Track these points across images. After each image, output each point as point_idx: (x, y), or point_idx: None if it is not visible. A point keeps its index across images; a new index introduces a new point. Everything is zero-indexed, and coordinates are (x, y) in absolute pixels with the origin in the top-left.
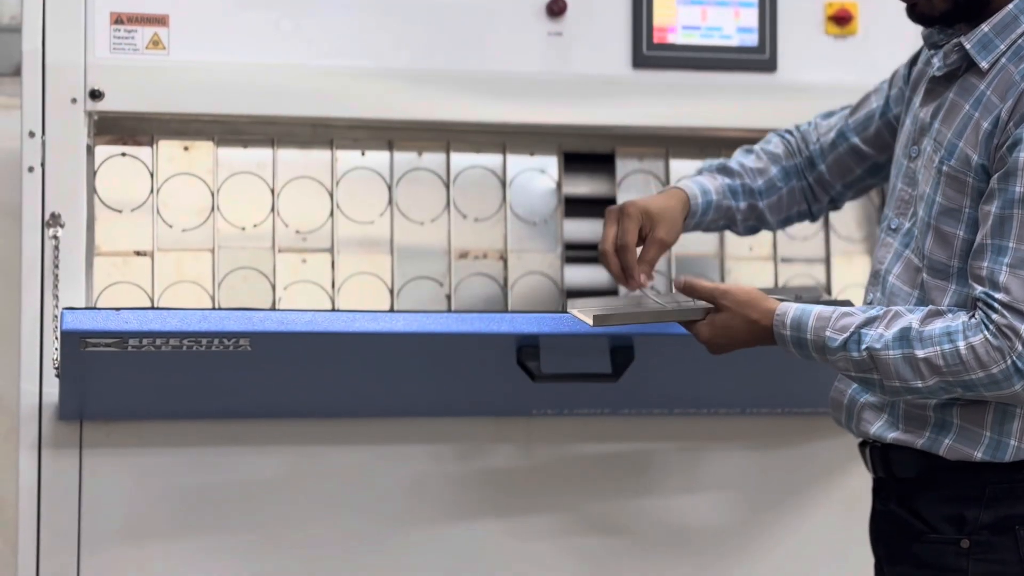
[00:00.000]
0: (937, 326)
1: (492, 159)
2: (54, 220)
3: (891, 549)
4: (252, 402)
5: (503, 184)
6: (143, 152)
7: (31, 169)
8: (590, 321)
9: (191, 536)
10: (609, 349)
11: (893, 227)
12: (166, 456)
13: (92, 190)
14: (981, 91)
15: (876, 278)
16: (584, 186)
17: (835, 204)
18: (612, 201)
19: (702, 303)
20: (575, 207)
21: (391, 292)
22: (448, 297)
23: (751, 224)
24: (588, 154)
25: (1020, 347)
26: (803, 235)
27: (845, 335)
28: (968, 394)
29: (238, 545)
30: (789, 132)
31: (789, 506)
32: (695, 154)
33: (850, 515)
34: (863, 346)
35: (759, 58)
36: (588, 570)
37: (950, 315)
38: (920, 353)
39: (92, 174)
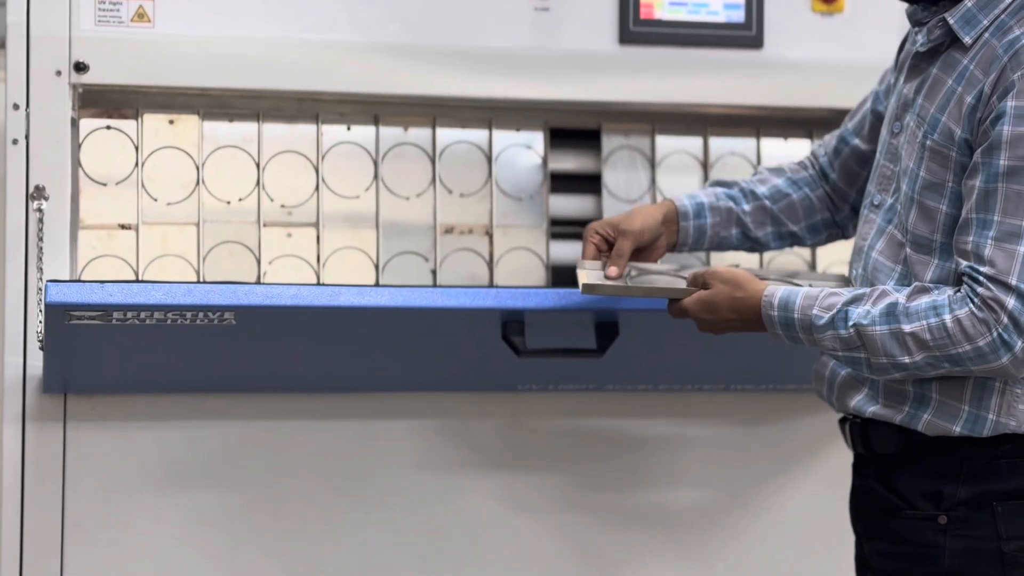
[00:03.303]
0: (923, 301)
1: (478, 134)
2: (38, 193)
3: (869, 525)
4: (237, 376)
5: (489, 159)
6: (128, 125)
7: (15, 141)
8: (580, 288)
9: (175, 509)
10: (594, 325)
11: (876, 203)
12: (150, 429)
13: (77, 163)
14: (964, 66)
15: (859, 254)
16: (570, 162)
17: (856, 212)
18: (597, 177)
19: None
20: (561, 183)
21: (376, 267)
22: (433, 272)
23: (772, 231)
24: (574, 130)
25: (1006, 319)
26: None
27: (832, 313)
28: (956, 369)
29: (221, 519)
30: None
31: (772, 482)
32: (681, 130)
33: (833, 491)
34: (850, 323)
35: (746, 35)
36: (572, 545)
37: (936, 291)
38: (907, 328)
39: (77, 147)
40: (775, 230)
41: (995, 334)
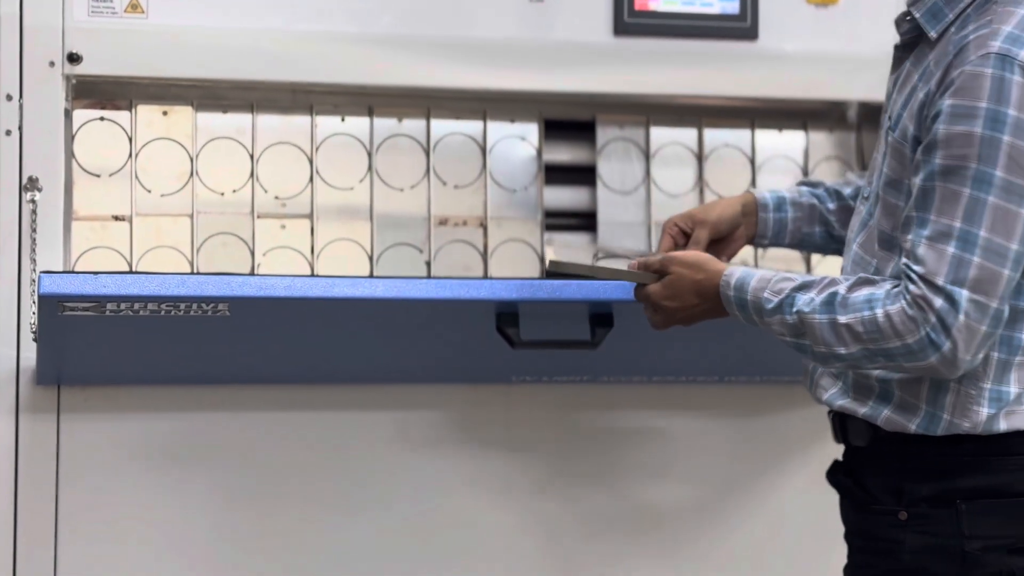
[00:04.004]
0: (862, 293)
1: (472, 126)
2: (32, 184)
3: (847, 519)
4: (230, 367)
5: (483, 151)
6: (121, 116)
7: (8, 133)
8: (546, 263)
9: (169, 501)
10: (588, 316)
11: (865, 195)
12: (144, 421)
13: (70, 154)
14: (928, 61)
15: (847, 246)
16: (564, 153)
17: None
18: (592, 169)
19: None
20: (555, 174)
21: (370, 259)
22: (428, 264)
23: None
24: (568, 121)
25: (934, 319)
26: None
27: (780, 297)
28: (890, 364)
29: (216, 510)
30: None
31: (766, 474)
32: (675, 122)
33: (827, 484)
34: (795, 309)
35: (740, 26)
36: (565, 536)
37: (878, 284)
38: (842, 319)
39: (70, 138)
40: None
41: (923, 333)
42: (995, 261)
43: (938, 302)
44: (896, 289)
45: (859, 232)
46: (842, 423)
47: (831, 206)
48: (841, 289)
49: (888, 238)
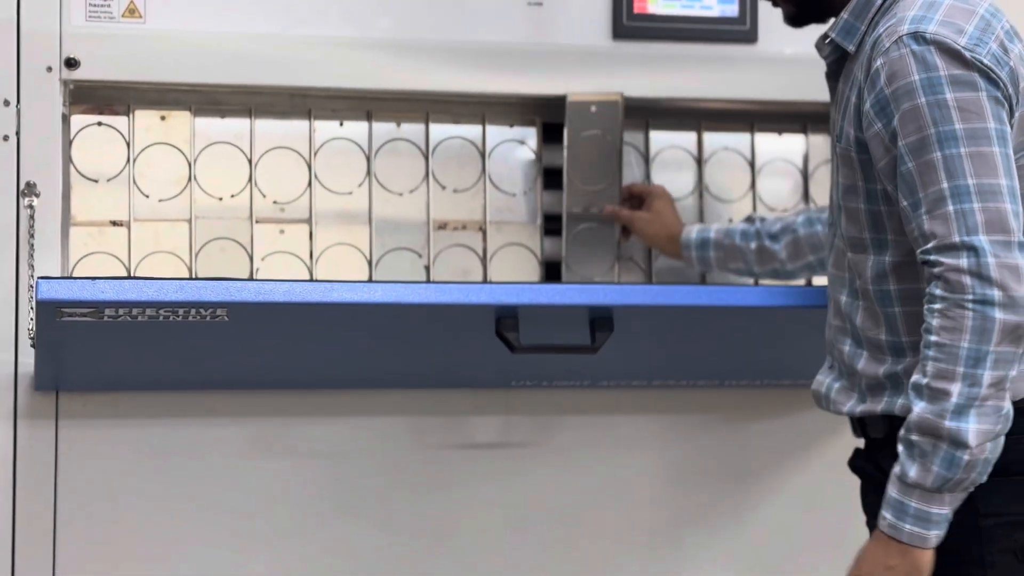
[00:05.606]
0: (922, 343)
1: (471, 130)
2: (29, 189)
3: (867, 504)
4: (229, 373)
5: (482, 155)
6: (119, 121)
7: (6, 138)
8: None
9: (168, 508)
10: (588, 320)
11: (829, 222)
12: (143, 427)
13: (68, 159)
14: (853, 72)
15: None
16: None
17: None
18: None
19: None
20: (554, 178)
21: (369, 263)
22: (427, 268)
23: (773, 268)
24: None
25: (967, 278)
26: (782, 207)
27: (916, 443)
28: (991, 353)
29: (214, 516)
30: None
31: (767, 478)
32: (674, 125)
33: (828, 487)
34: (931, 431)
35: (740, 29)
36: (566, 542)
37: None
38: (924, 381)
39: (68, 143)
40: (776, 268)
41: (969, 297)
42: (992, 199)
43: (962, 258)
44: (926, 299)
45: (829, 255)
46: (860, 421)
47: (752, 245)
48: (919, 375)
49: (857, 241)
